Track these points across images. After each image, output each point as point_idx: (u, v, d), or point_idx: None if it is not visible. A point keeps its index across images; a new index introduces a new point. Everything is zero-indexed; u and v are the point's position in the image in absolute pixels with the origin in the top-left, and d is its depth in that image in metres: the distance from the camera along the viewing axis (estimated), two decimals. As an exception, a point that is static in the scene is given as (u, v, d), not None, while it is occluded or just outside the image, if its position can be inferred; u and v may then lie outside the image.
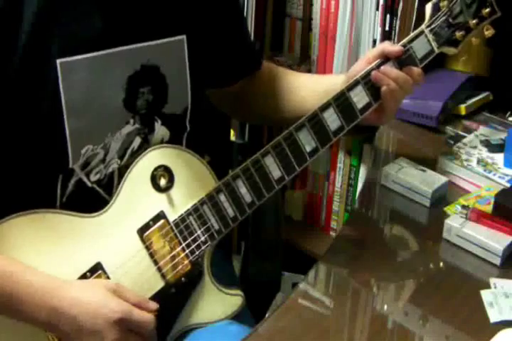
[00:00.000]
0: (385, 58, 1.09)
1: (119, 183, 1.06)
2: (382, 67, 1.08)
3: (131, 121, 1.05)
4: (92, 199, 1.06)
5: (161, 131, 1.09)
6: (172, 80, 1.07)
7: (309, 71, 1.89)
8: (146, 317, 0.98)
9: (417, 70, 1.10)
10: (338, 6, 1.74)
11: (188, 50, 1.08)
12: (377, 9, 1.67)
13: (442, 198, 1.23)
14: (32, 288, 0.95)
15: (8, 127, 0.97)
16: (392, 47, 1.09)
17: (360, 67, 1.10)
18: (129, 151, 1.07)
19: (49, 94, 0.96)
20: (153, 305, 1.01)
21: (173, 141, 1.11)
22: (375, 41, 1.71)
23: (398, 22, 1.62)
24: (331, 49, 1.81)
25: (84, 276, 1.02)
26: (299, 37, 1.91)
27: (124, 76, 1.02)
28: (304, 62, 1.90)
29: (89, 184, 1.05)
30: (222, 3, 1.15)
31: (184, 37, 1.07)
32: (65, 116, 0.97)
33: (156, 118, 1.08)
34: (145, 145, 1.08)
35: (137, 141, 1.07)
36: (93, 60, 0.98)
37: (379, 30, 1.68)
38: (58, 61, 0.95)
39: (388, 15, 1.66)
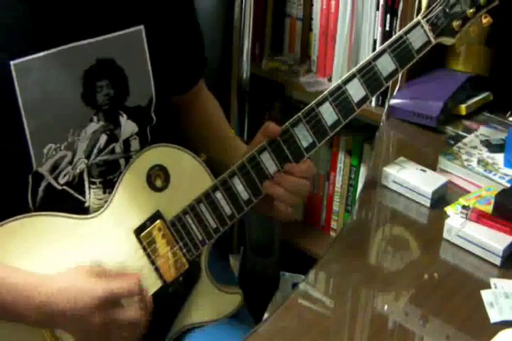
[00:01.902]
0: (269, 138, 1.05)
1: (89, 182, 1.05)
2: (275, 176, 1.05)
3: (95, 118, 1.03)
4: (64, 201, 1.04)
5: (128, 125, 1.07)
6: (131, 72, 1.05)
7: (309, 71, 1.90)
8: (127, 284, 0.97)
9: (306, 166, 1.05)
10: (338, 6, 1.74)
11: (148, 40, 1.06)
12: (377, 9, 1.67)
13: (442, 198, 1.22)
14: (16, 290, 0.94)
15: None
16: (271, 128, 1.04)
17: (258, 139, 1.06)
18: (95, 150, 1.05)
19: (5, 95, 0.95)
20: (136, 275, 1.00)
21: (140, 134, 1.09)
22: (375, 41, 1.71)
23: (398, 22, 1.62)
24: (331, 49, 1.81)
25: None
26: (299, 37, 1.91)
27: (80, 71, 1.00)
28: (304, 62, 1.90)
29: (58, 187, 1.04)
30: None
31: (142, 27, 1.05)
32: (23, 116, 0.96)
33: (120, 112, 1.06)
34: (112, 142, 1.06)
35: (103, 138, 1.05)
36: (47, 58, 0.96)
37: (379, 30, 1.68)
38: (12, 63, 0.94)
39: (388, 15, 1.66)
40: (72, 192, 1.05)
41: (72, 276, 0.97)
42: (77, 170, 1.04)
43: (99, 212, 1.04)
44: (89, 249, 1.02)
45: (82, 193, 1.05)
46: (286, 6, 1.91)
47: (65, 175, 1.03)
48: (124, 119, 1.06)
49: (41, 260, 0.99)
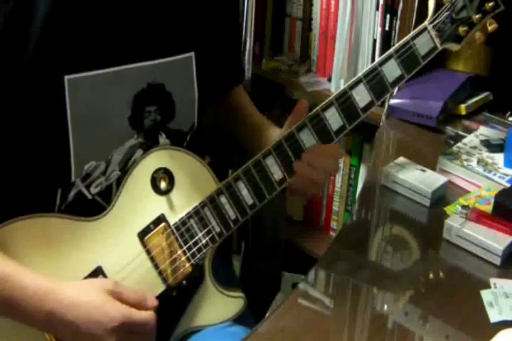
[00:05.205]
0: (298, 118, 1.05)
1: (117, 190, 1.05)
2: (308, 159, 1.04)
3: (135, 136, 1.05)
4: (90, 208, 1.05)
5: (164, 143, 1.09)
6: (179, 97, 1.07)
7: (309, 71, 1.90)
8: (146, 317, 0.97)
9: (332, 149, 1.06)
10: (338, 6, 1.74)
11: (196, 66, 1.08)
12: (377, 9, 1.67)
13: (442, 198, 1.23)
14: (28, 291, 0.93)
15: (12, 140, 0.97)
16: (301, 108, 1.06)
17: (291, 122, 1.06)
18: (130, 162, 1.06)
19: (55, 109, 0.96)
20: (153, 303, 1.00)
21: None
22: (375, 41, 1.71)
23: (398, 22, 1.63)
24: (331, 49, 1.81)
25: None
26: (299, 37, 1.91)
27: (131, 94, 1.02)
28: (304, 62, 1.90)
29: (89, 196, 1.05)
30: (226, 17, 1.16)
31: (192, 54, 1.07)
32: (69, 132, 0.97)
33: (160, 132, 1.08)
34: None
35: (139, 153, 1.06)
36: (100, 77, 0.98)
37: (379, 30, 1.68)
38: (66, 77, 0.95)
39: (388, 15, 1.66)
40: (99, 200, 1.06)
41: (89, 292, 0.96)
42: (110, 181, 1.05)
43: (102, 214, 1.03)
44: (93, 251, 1.02)
45: (109, 202, 1.06)
46: (286, 6, 1.91)
47: (97, 186, 1.04)
48: (162, 138, 1.08)
49: (46, 259, 0.99)
